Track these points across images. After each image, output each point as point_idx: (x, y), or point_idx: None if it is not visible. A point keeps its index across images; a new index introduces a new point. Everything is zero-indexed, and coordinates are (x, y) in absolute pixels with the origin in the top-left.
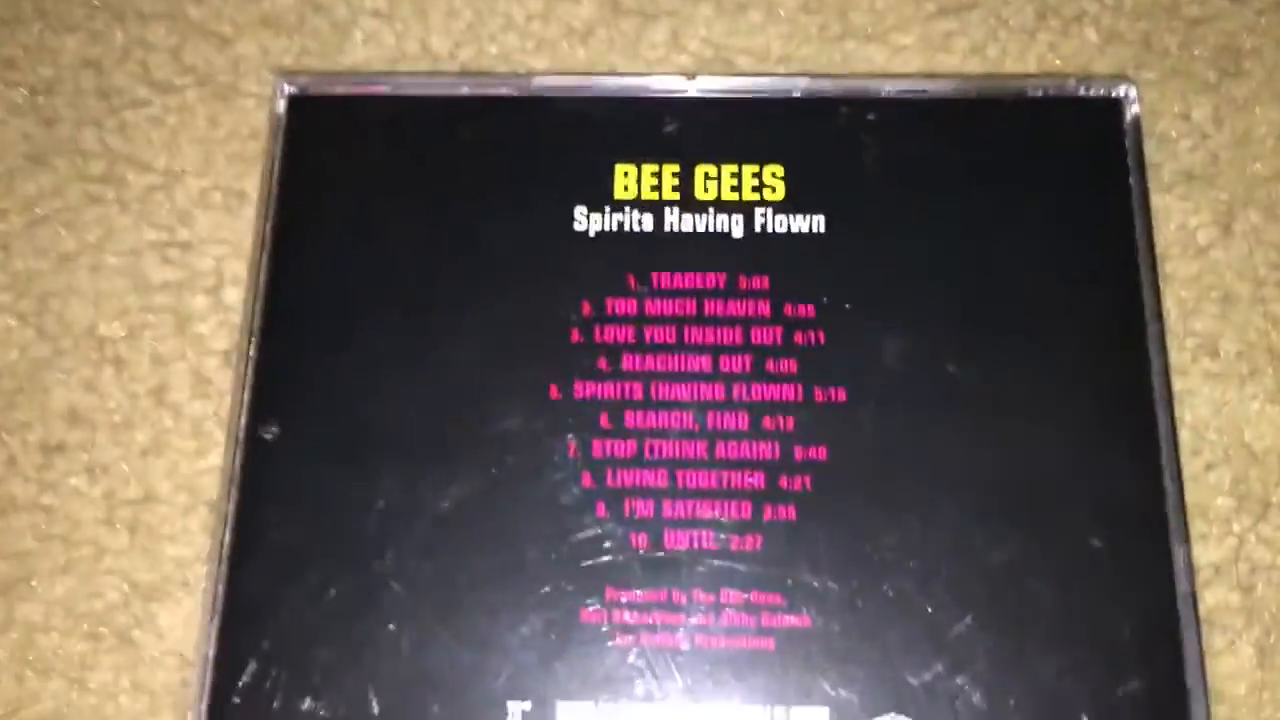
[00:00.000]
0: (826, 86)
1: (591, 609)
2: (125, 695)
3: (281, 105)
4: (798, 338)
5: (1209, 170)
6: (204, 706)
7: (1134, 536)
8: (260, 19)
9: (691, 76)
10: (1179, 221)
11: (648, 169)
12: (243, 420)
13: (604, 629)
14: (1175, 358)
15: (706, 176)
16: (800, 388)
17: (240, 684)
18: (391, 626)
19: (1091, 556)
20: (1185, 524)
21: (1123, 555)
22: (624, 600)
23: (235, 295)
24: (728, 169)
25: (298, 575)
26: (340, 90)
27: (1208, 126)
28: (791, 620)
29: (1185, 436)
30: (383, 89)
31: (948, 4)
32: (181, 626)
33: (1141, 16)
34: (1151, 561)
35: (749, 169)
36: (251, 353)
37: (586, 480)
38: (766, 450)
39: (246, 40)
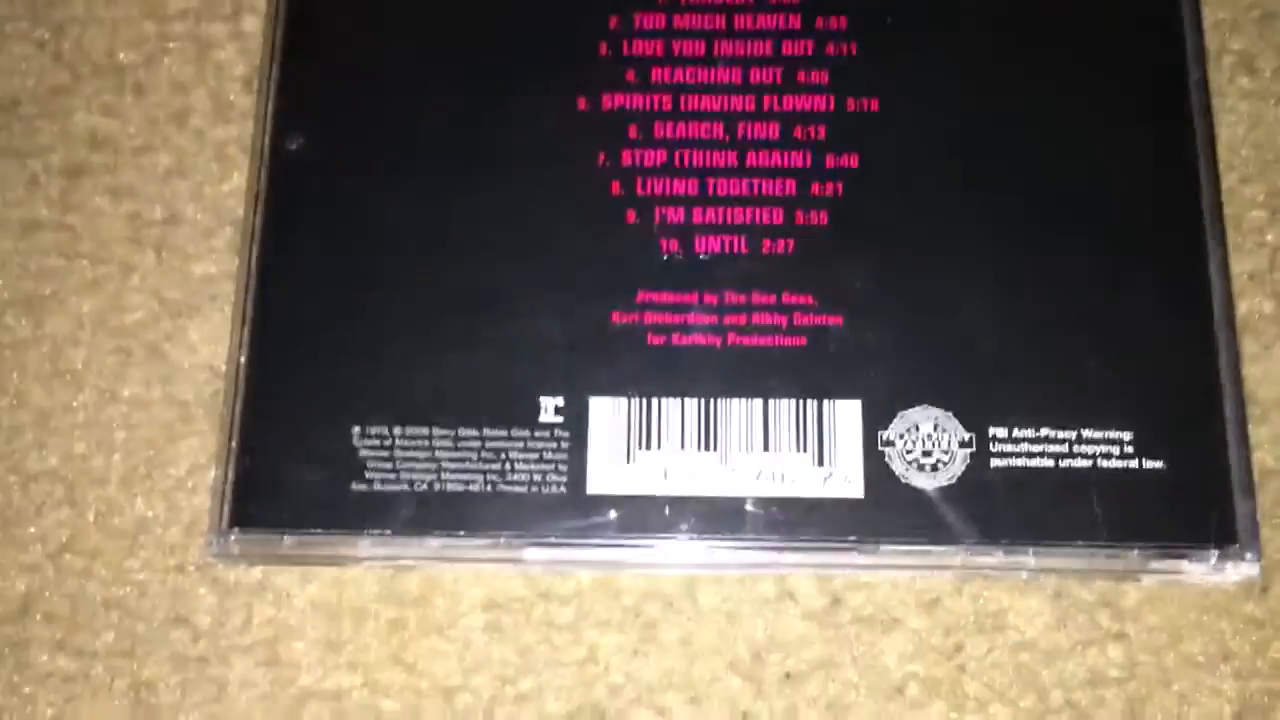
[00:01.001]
0: None
1: (623, 310)
2: (157, 406)
3: None
4: (829, 49)
5: None
6: (237, 416)
7: (1171, 242)
8: None
9: None
10: None
11: None
12: (266, 136)
13: (635, 328)
14: (1212, 76)
15: None
16: (832, 98)
17: (272, 397)
18: (422, 328)
19: (1128, 262)
20: (1222, 230)
21: (1160, 260)
22: (655, 302)
23: (254, 23)
24: None
25: (327, 287)
26: None
27: None
28: (824, 319)
29: (1220, 152)
30: None
31: None
32: (212, 340)
33: None
34: (1188, 266)
35: None
36: (273, 73)
37: (615, 188)
38: (798, 159)
39: None
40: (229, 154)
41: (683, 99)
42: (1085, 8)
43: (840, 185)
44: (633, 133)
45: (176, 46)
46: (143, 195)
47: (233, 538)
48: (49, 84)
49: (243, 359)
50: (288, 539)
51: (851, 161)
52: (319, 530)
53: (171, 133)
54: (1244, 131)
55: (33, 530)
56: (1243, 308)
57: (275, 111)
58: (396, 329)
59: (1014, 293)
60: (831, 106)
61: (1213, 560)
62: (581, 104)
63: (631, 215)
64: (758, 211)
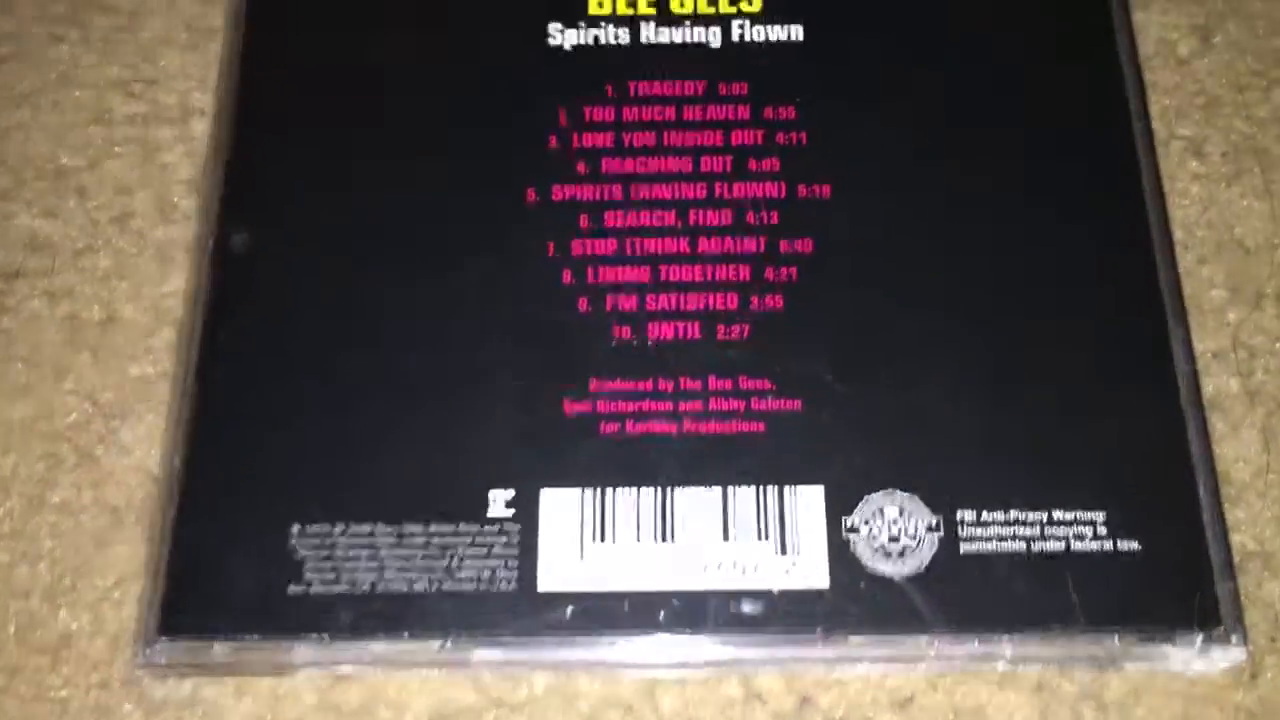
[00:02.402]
0: None
1: (575, 399)
2: (87, 512)
3: None
4: (779, 138)
5: None
6: (170, 519)
7: (1133, 323)
8: None
9: None
10: (1158, 35)
11: None
12: (211, 235)
13: (588, 417)
14: (1162, 162)
15: None
16: (784, 185)
17: (207, 497)
18: (366, 422)
19: (1092, 343)
20: (1183, 310)
21: (1124, 340)
22: (609, 389)
23: (201, 126)
24: None
25: (267, 383)
26: None
27: None
28: (782, 403)
29: (1177, 234)
30: None
31: None
32: (146, 442)
33: None
34: (1151, 347)
35: None
36: (219, 170)
37: (566, 277)
38: (751, 245)
39: None
40: (171, 255)
41: (633, 188)
42: (1036, 94)
43: (794, 270)
44: (583, 222)
45: (122, 150)
46: (81, 297)
47: (160, 646)
48: None
49: (177, 460)
50: (219, 646)
51: (805, 246)
52: (253, 636)
53: (113, 234)
54: (1197, 214)
55: None
56: (1209, 387)
57: (220, 208)
58: (339, 423)
59: (976, 373)
60: (783, 193)
61: (1198, 644)
62: (531, 196)
63: (583, 303)
64: (712, 297)
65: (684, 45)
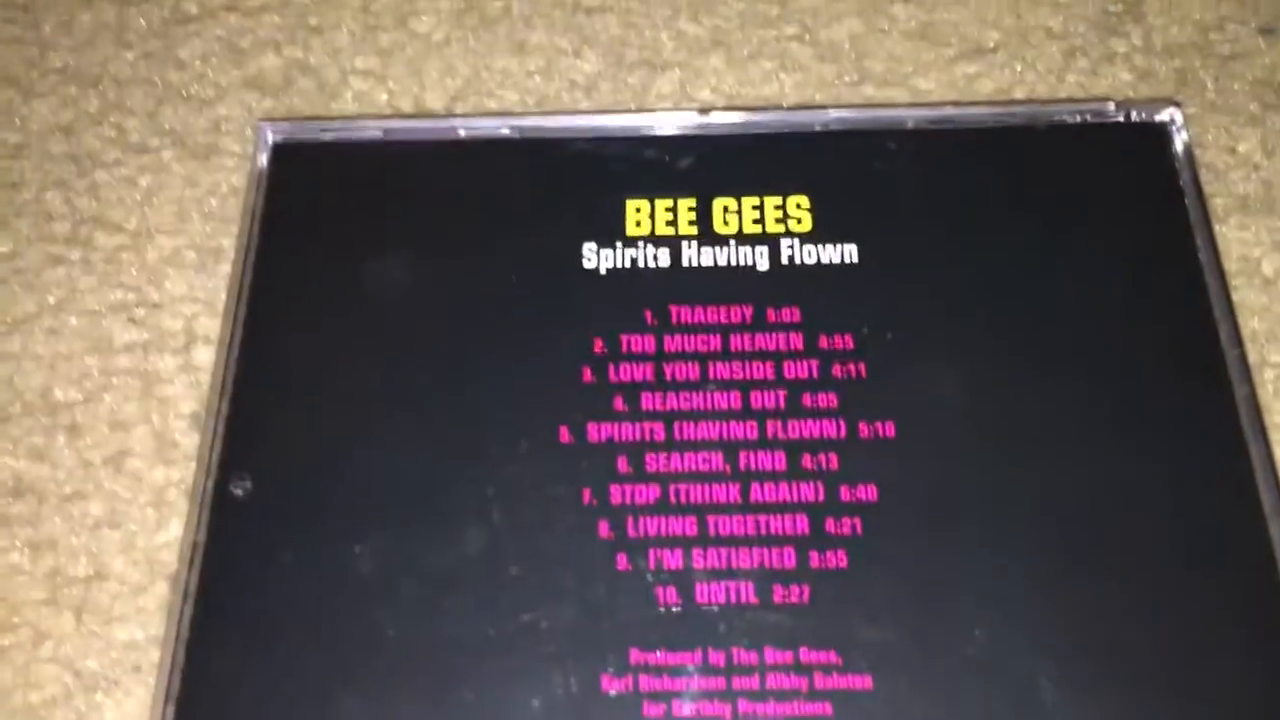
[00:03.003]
0: (850, 117)
1: (614, 674)
2: None
3: (264, 157)
4: (836, 370)
5: (1266, 199)
6: None
7: (1237, 581)
8: (244, 81)
9: (706, 111)
10: (1240, 252)
11: (661, 204)
12: (210, 480)
13: (629, 697)
14: (1257, 389)
15: (726, 209)
16: (843, 423)
17: None
18: (383, 702)
19: (1188, 600)
20: None
21: (1226, 601)
22: (651, 663)
23: (206, 355)
24: (749, 201)
25: (266, 655)
26: (328, 137)
27: (1257, 157)
28: (850, 680)
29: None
30: (374, 134)
31: (968, 46)
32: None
33: (1174, 55)
34: (1260, 610)
35: (771, 200)
36: (223, 409)
37: (604, 530)
38: (809, 492)
39: (229, 101)
40: (168, 499)
41: (677, 427)
42: (1113, 321)
43: (858, 521)
44: (622, 465)
45: (119, 382)
46: (65, 549)
47: None
48: None
49: None
50: None
51: (869, 494)
52: None
53: (105, 477)
54: None
55: None
56: None
57: (222, 452)
58: (348, 702)
59: (1075, 641)
60: (843, 433)
61: None
62: (564, 435)
63: (622, 560)
64: (767, 553)
65: (729, 267)
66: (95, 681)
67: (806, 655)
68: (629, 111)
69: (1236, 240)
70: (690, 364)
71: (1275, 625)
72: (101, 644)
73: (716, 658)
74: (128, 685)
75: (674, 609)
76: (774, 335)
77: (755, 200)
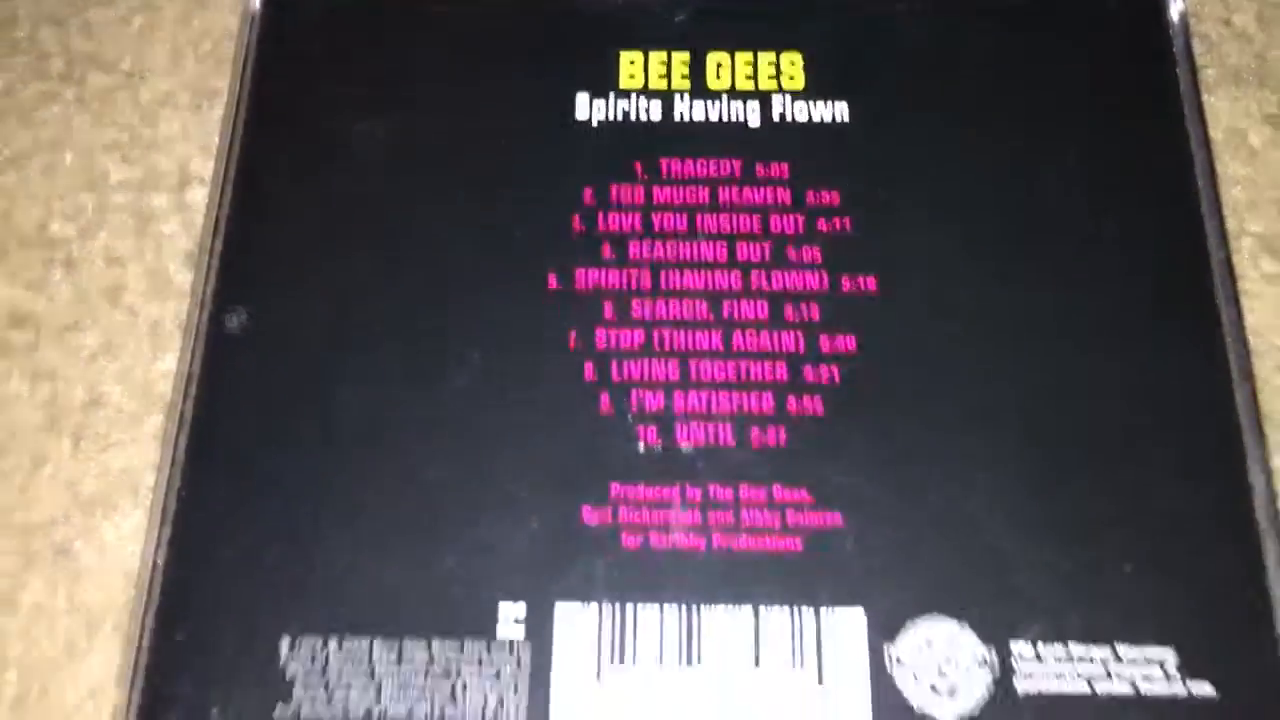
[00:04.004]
0: None
1: (595, 506)
2: (61, 616)
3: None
4: (821, 225)
5: (1258, 71)
6: (149, 627)
7: (1203, 440)
8: None
9: None
10: (1228, 123)
11: (655, 57)
12: (205, 313)
13: (609, 527)
14: (1235, 260)
15: (719, 65)
16: (825, 276)
17: (191, 603)
18: (366, 527)
19: (1159, 461)
20: (1260, 425)
21: (1194, 459)
22: (631, 497)
23: (200, 195)
24: (742, 57)
25: (260, 479)
26: None
27: (1252, 29)
28: (821, 517)
29: (1250, 341)
30: None
31: None
32: (128, 540)
33: None
34: (1225, 466)
35: (765, 56)
36: (216, 246)
37: (589, 372)
38: (789, 341)
39: None
40: (164, 332)
41: (663, 276)
42: (1097, 183)
43: (836, 370)
44: (608, 312)
45: (115, 219)
46: (64, 378)
47: None
48: None
49: (160, 561)
50: None
51: (848, 344)
52: None
53: (102, 310)
54: (1272, 318)
55: None
56: None
57: (216, 286)
58: (336, 527)
59: (1033, 490)
60: (825, 285)
61: None
62: (553, 282)
63: (605, 401)
64: (746, 398)
65: (720, 123)
66: (93, 503)
67: (780, 494)
68: None
69: (1226, 111)
70: (679, 215)
71: (1233, 482)
72: (98, 468)
73: (693, 493)
74: (125, 508)
75: (654, 448)
76: (762, 189)
77: (749, 56)
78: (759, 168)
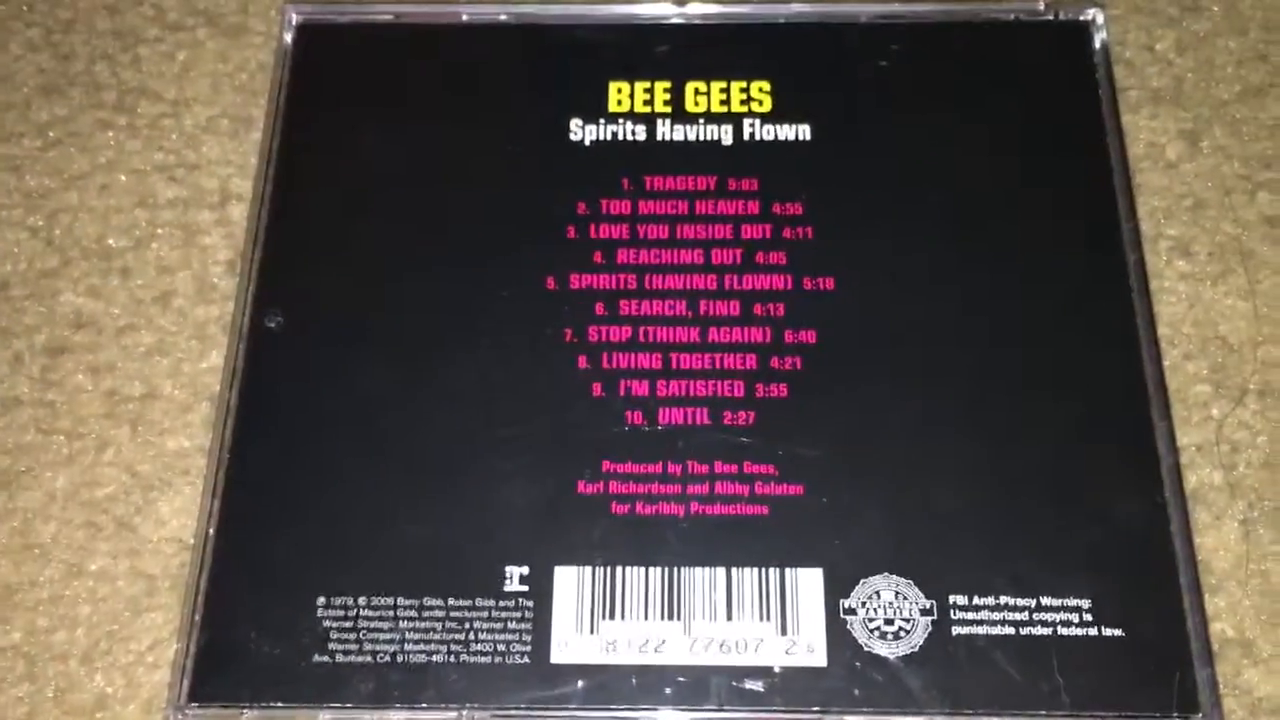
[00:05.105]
0: (809, 11)
1: (588, 480)
2: (123, 580)
3: (289, 36)
4: (786, 233)
5: (1175, 93)
6: (202, 589)
7: (1120, 417)
8: None
9: (683, 2)
10: (1149, 139)
11: (640, 85)
12: (246, 315)
13: (600, 498)
14: (1150, 260)
15: (697, 91)
16: (790, 278)
17: (239, 567)
18: (391, 499)
19: (1081, 434)
20: (1168, 404)
21: (1111, 434)
22: (620, 471)
23: (239, 211)
24: (716, 85)
25: (297, 460)
26: (345, 19)
27: (1172, 54)
28: (784, 488)
29: (1163, 331)
30: (387, 17)
31: None
32: (182, 514)
33: None
34: (1136, 440)
35: (736, 84)
36: (255, 255)
37: (582, 362)
38: (758, 334)
39: None
40: (209, 333)
41: (647, 278)
42: (1031, 196)
43: (799, 359)
44: (599, 309)
45: (164, 232)
46: (122, 373)
47: (191, 713)
48: (38, 268)
49: (211, 531)
50: (247, 714)
51: (809, 337)
52: (280, 704)
53: (155, 313)
54: (1184, 311)
55: None
56: (1192, 479)
57: (255, 291)
58: (365, 500)
59: (970, 463)
60: (790, 285)
61: None
62: (550, 283)
63: (597, 388)
64: (719, 385)
65: (697, 142)
66: (150, 481)
67: (749, 468)
68: (614, 2)
69: (1146, 128)
70: (661, 225)
71: (1143, 454)
72: (154, 451)
73: (674, 468)
74: (178, 485)
75: (640, 428)
76: (734, 202)
77: (722, 83)
78: (731, 182)
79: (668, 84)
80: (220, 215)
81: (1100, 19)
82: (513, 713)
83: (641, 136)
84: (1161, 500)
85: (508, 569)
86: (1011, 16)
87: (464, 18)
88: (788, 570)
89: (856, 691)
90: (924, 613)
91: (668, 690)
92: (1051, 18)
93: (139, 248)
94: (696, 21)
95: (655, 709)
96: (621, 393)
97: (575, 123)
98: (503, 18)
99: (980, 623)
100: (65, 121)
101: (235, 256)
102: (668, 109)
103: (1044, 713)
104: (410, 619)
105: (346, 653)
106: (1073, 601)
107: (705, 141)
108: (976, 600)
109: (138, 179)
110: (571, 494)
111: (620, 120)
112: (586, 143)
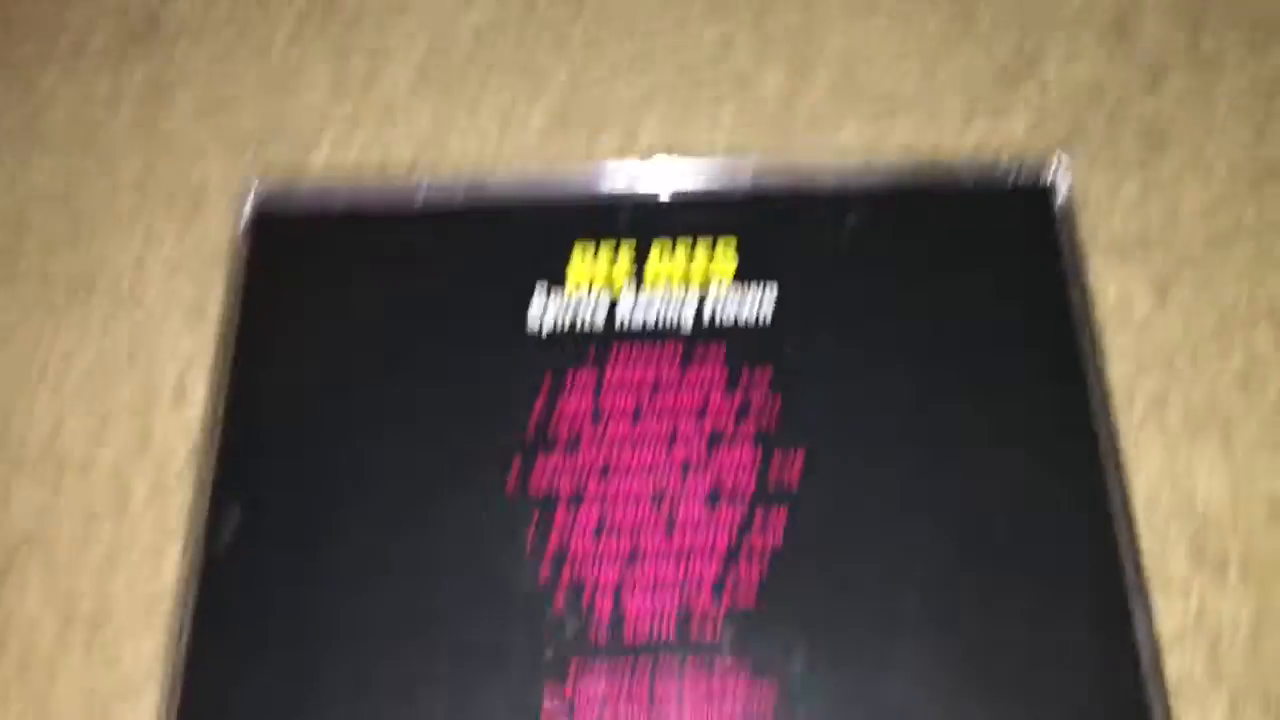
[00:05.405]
0: (772, 183)
1: (551, 697)
2: None
3: (244, 223)
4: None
5: (1142, 237)
6: None
7: (1096, 602)
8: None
9: (647, 159)
10: (1117, 288)
11: (605, 246)
12: (201, 526)
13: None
14: (1122, 421)
15: (661, 251)
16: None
17: None
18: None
19: (1057, 625)
20: (1144, 585)
21: (1086, 620)
22: (584, 690)
23: (197, 401)
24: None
25: (250, 677)
26: (298, 209)
27: (1136, 199)
28: (756, 704)
29: (1138, 499)
30: (342, 203)
31: (882, 104)
32: None
33: (1067, 104)
34: (1114, 625)
35: (703, 242)
36: (213, 446)
37: (544, 572)
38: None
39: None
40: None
41: (611, 479)
42: (998, 366)
43: (765, 565)
44: (559, 517)
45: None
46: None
47: None
48: None
49: None
50: None
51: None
52: None
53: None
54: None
55: None
56: (1172, 668)
57: (212, 496)
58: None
59: (943, 661)
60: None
61: None
62: (511, 486)
63: (559, 601)
64: (689, 590)
65: (661, 314)
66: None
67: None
68: (575, 166)
69: (1114, 276)
70: (622, 420)
71: (1121, 637)
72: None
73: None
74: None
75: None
76: (701, 368)
77: (688, 241)
78: (699, 348)
79: (632, 246)
80: (177, 408)
81: (1065, 161)
82: None
83: (604, 310)
84: (1140, 688)
85: None
86: (972, 184)
87: (418, 202)
88: None
89: None
90: None
91: None
92: (1012, 179)
93: (91, 450)
94: (660, 185)
95: None
96: (585, 602)
97: (538, 298)
98: (459, 201)
99: None
100: (16, 316)
101: (191, 454)
102: (630, 277)
103: None
104: None
105: None
106: None
107: (665, 320)
108: None
109: (91, 374)
110: (537, 712)
111: (579, 297)
112: (544, 335)
